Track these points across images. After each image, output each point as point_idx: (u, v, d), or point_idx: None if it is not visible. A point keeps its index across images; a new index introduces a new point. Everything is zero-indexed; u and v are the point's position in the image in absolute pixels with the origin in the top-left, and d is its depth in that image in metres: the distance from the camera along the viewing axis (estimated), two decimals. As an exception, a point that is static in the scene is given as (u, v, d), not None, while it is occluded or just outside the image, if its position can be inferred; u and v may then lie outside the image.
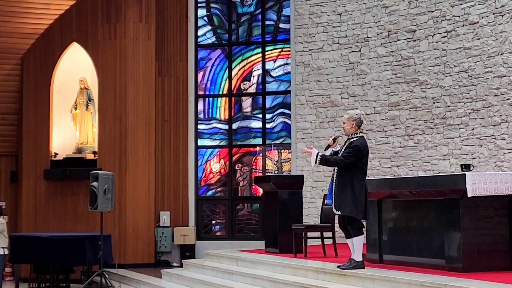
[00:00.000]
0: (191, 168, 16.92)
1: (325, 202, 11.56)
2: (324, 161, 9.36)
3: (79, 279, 14.65)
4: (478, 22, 12.97)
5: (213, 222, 17.21)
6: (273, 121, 16.76)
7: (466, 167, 9.48)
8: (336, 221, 11.37)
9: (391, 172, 14.35)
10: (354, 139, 9.40)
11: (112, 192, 13.58)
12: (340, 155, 9.34)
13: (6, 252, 13.78)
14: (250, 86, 17.14)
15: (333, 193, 9.36)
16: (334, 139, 9.63)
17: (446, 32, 13.59)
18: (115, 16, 16.55)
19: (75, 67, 16.95)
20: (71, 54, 16.96)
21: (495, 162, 12.49)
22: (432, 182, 9.37)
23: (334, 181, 9.36)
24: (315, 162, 9.40)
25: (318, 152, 9.46)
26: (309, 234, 11.54)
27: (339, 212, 9.31)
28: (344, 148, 9.41)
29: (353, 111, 9.69)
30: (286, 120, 16.53)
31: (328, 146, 9.63)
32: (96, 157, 16.44)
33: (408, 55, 14.26)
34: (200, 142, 17.14)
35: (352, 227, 9.33)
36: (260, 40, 17.05)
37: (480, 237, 8.90)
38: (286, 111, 16.51)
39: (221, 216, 17.10)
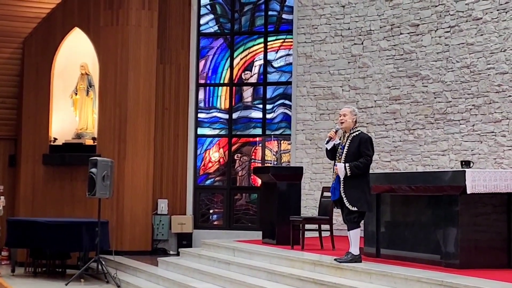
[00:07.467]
0: (190, 157, 16.90)
1: (327, 197, 11.52)
2: (355, 168, 9.17)
3: (76, 265, 14.63)
4: (481, 18, 12.94)
5: (211, 211, 17.19)
6: (274, 111, 16.73)
7: (466, 163, 9.47)
8: (335, 213, 11.41)
9: (390, 166, 14.34)
10: (357, 133, 9.39)
11: (110, 178, 13.54)
12: (343, 154, 9.30)
13: None
14: (251, 76, 17.10)
15: (341, 189, 9.29)
16: (336, 131, 9.55)
17: (449, 27, 13.55)
18: (117, 2, 16.45)
19: (76, 52, 16.88)
20: (73, 39, 16.87)
21: (495, 159, 12.48)
22: (432, 178, 9.36)
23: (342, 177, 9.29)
24: (346, 174, 9.20)
25: (344, 164, 9.24)
26: (307, 226, 11.52)
27: (356, 209, 9.22)
28: (349, 142, 9.33)
29: (354, 107, 9.67)
30: (287, 111, 16.50)
31: (330, 139, 9.53)
32: (95, 143, 16.39)
33: (410, 49, 14.23)
34: (200, 131, 17.11)
35: (350, 219, 9.30)
36: (263, 30, 17.00)
37: (477, 234, 8.91)
38: (287, 102, 16.48)
39: (219, 205, 17.08)
